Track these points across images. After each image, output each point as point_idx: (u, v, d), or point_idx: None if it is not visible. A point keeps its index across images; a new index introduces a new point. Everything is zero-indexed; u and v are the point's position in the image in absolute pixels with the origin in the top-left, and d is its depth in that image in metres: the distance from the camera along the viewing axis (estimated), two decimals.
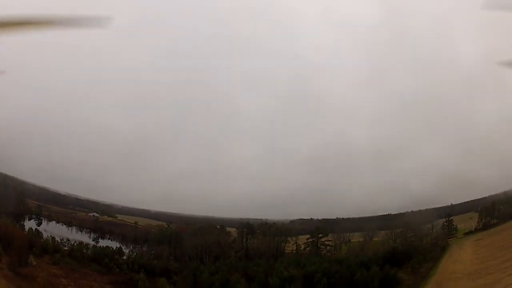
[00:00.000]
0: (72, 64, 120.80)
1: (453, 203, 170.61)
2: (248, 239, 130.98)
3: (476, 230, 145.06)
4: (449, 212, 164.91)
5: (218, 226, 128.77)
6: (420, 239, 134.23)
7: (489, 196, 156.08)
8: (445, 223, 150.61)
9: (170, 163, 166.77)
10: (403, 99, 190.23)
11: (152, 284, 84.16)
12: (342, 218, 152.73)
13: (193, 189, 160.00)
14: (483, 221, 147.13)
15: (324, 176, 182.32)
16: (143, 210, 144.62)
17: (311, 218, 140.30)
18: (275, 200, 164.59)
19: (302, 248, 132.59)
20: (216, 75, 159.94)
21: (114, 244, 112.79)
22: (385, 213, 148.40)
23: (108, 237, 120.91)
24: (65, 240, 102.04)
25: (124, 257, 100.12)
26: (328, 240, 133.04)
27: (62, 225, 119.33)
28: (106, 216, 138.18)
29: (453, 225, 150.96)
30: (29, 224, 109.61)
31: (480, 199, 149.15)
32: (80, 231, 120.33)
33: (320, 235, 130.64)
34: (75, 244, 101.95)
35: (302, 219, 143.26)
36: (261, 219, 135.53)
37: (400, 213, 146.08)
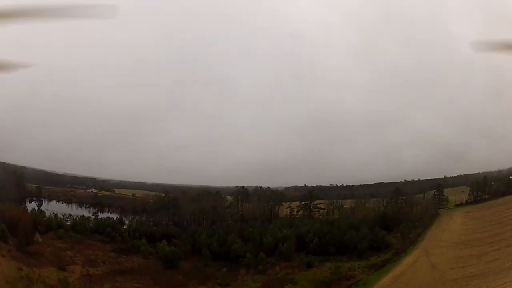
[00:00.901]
0: (66, 45, 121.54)
1: (446, 176, 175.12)
2: (243, 204, 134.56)
3: (467, 203, 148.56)
4: (442, 183, 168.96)
5: (214, 193, 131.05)
6: (411, 207, 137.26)
7: (483, 172, 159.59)
8: (435, 193, 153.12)
9: (166, 135, 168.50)
10: (397, 72, 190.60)
11: (153, 248, 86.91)
12: (336, 185, 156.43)
13: (189, 159, 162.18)
14: (474, 194, 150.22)
15: (318, 144, 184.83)
16: (140, 182, 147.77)
17: (305, 185, 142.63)
18: (270, 168, 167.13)
19: (295, 212, 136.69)
20: (211, 49, 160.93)
21: (114, 216, 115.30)
22: (378, 182, 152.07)
23: (107, 210, 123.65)
24: (67, 216, 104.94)
25: (125, 227, 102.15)
26: (320, 203, 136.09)
27: (62, 203, 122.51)
28: (104, 191, 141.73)
29: (444, 196, 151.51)
30: (31, 206, 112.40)
31: (473, 174, 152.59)
32: (80, 207, 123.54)
33: (313, 199, 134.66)
34: (77, 218, 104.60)
35: (296, 186, 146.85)
36: (256, 186, 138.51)
37: (393, 182, 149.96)
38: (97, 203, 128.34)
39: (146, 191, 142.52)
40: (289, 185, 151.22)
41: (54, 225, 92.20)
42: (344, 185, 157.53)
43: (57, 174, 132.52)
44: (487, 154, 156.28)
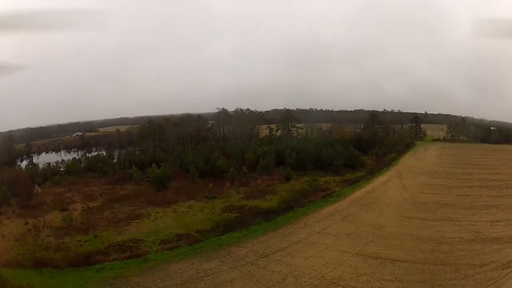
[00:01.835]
0: None
1: (427, 112, 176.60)
2: (225, 125, 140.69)
3: (444, 140, 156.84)
4: (421, 118, 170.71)
5: (196, 117, 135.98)
6: (387, 133, 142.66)
7: (465, 116, 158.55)
8: (412, 124, 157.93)
9: (147, 69, 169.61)
10: (379, 8, 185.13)
11: (144, 175, 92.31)
12: (316, 109, 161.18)
13: (170, 89, 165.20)
14: (451, 133, 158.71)
15: (297, 70, 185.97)
16: (122, 118, 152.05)
17: (284, 108, 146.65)
18: (250, 92, 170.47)
19: (274, 131, 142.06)
20: None
21: (103, 153, 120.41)
22: (358, 109, 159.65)
23: (95, 149, 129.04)
24: (59, 162, 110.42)
25: (115, 160, 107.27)
26: (299, 123, 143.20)
27: (52, 153, 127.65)
28: (88, 133, 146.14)
29: (421, 129, 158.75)
30: (23, 164, 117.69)
31: (454, 116, 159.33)
32: (68, 152, 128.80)
33: (291, 120, 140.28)
34: (69, 162, 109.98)
35: (276, 109, 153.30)
36: (236, 108, 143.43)
37: (373, 110, 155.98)
38: (84, 145, 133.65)
39: (130, 125, 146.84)
40: (269, 109, 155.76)
41: (49, 174, 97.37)
42: (324, 109, 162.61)
43: (42, 127, 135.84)
44: (472, 101, 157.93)
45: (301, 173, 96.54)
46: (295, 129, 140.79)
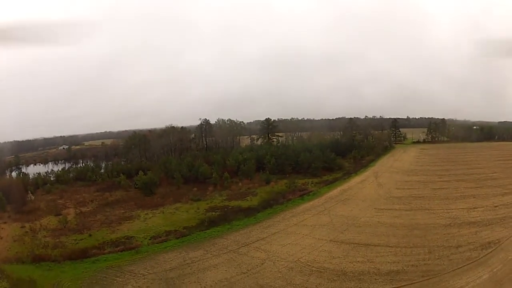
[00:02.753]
0: None
1: (409, 117, 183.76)
2: (207, 135, 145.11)
3: (425, 142, 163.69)
4: (404, 122, 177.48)
5: (180, 128, 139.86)
6: (365, 138, 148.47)
7: (447, 119, 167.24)
8: (392, 128, 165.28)
9: (128, 82, 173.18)
10: (355, 10, 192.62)
11: (132, 182, 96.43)
12: (297, 118, 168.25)
13: (152, 102, 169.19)
14: (431, 135, 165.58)
15: (279, 79, 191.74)
16: (106, 132, 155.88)
17: (266, 118, 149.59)
18: (231, 102, 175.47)
19: (255, 140, 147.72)
20: None
21: (90, 164, 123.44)
22: (339, 116, 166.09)
23: (81, 161, 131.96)
24: (49, 172, 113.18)
25: (102, 170, 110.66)
26: (279, 132, 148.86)
27: (40, 164, 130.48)
28: (74, 146, 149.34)
29: (400, 132, 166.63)
30: (13, 174, 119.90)
31: (436, 118, 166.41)
32: (55, 164, 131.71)
33: (271, 128, 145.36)
34: (59, 171, 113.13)
35: (258, 120, 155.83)
36: (218, 118, 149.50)
37: (354, 118, 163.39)
38: (71, 157, 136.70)
39: (114, 139, 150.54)
40: (251, 120, 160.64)
41: (40, 183, 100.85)
42: (305, 118, 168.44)
43: (29, 141, 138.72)
44: (454, 103, 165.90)
45: (281, 176, 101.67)
46: (275, 137, 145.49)
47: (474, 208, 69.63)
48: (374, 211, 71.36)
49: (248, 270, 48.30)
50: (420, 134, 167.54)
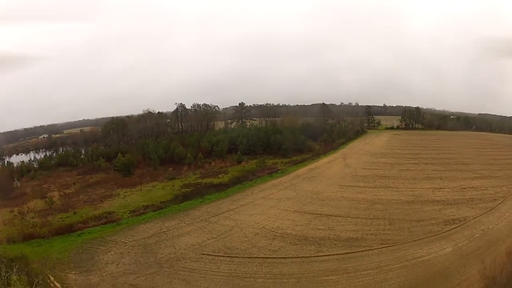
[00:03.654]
0: None
1: (386, 105, 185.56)
2: (183, 119, 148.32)
3: (398, 128, 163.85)
4: (381, 110, 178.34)
5: (157, 113, 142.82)
6: (338, 123, 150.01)
7: (425, 108, 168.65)
8: (365, 114, 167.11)
9: (107, 69, 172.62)
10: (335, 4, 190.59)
11: (111, 164, 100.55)
12: (272, 104, 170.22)
13: (130, 86, 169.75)
14: (405, 122, 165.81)
15: (255, 65, 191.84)
16: (84, 120, 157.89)
17: (241, 102, 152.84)
18: (208, 86, 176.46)
19: (229, 123, 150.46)
20: None
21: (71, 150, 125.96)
22: (316, 103, 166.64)
23: (62, 149, 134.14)
24: (32, 160, 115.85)
25: (82, 156, 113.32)
26: (254, 116, 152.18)
27: (22, 154, 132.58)
28: (54, 135, 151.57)
29: (373, 118, 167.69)
30: None
31: (413, 107, 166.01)
32: (37, 152, 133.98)
33: (245, 112, 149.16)
34: (41, 159, 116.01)
35: (233, 106, 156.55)
36: (194, 103, 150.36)
37: (330, 104, 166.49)
38: (52, 145, 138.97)
39: (93, 126, 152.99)
40: (228, 106, 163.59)
41: (25, 170, 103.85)
42: (281, 104, 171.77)
43: (10, 132, 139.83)
44: (434, 94, 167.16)
45: (252, 157, 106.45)
46: (249, 121, 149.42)
47: (440, 188, 73.53)
48: (339, 187, 76.53)
49: (217, 236, 54.55)
50: (394, 121, 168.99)
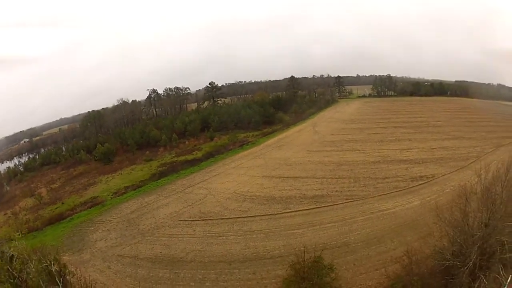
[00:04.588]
0: None
1: (359, 75, 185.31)
2: (156, 104, 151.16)
3: (370, 96, 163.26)
4: (354, 80, 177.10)
5: (131, 101, 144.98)
6: (308, 94, 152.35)
7: (399, 76, 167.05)
8: (335, 84, 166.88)
9: (83, 64, 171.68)
10: None
11: (91, 155, 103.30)
12: (244, 82, 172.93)
13: (103, 79, 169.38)
14: (378, 90, 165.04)
15: (225, 45, 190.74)
16: (61, 119, 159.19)
17: (212, 82, 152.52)
18: (180, 70, 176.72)
19: (202, 104, 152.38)
20: None
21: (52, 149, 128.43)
22: (287, 77, 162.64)
23: (44, 150, 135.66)
24: (18, 164, 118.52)
25: (64, 153, 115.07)
26: (226, 95, 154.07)
27: (7, 161, 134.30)
28: (34, 138, 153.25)
29: (344, 88, 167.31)
30: None
31: (385, 75, 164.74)
32: (21, 157, 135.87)
33: (215, 90, 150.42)
34: (26, 161, 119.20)
35: (207, 87, 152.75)
36: (166, 87, 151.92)
37: (302, 77, 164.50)
38: (34, 148, 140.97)
39: (71, 123, 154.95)
40: (200, 88, 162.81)
41: (12, 175, 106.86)
42: (253, 81, 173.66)
43: None
44: (407, 62, 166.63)
45: (224, 133, 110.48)
46: (220, 100, 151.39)
47: (408, 149, 77.55)
48: (306, 153, 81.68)
49: (192, 203, 60.52)
50: (365, 89, 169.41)
